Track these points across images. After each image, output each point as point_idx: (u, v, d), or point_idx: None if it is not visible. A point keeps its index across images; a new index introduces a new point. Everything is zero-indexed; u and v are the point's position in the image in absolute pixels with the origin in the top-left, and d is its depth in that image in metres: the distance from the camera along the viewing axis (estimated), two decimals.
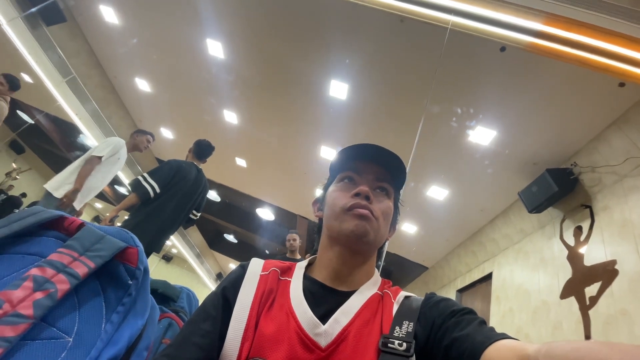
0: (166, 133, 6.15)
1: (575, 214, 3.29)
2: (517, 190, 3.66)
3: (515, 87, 2.99)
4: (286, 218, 7.51)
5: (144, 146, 3.14)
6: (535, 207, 3.55)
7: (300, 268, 0.63)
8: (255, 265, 0.62)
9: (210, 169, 6.69)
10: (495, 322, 3.99)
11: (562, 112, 3.00)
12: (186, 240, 11.20)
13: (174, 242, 11.27)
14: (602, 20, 1.67)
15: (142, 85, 5.27)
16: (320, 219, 0.70)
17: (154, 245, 2.53)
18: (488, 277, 4.54)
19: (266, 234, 9.06)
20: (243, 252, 11.16)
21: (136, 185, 2.45)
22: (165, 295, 0.87)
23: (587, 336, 2.60)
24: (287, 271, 0.62)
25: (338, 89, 3.72)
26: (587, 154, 3.12)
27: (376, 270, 0.64)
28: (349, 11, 3.05)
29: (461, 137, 3.67)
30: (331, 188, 0.66)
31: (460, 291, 5.38)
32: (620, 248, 2.60)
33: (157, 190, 2.46)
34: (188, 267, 14.27)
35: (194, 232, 11.07)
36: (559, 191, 3.23)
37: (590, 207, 3.09)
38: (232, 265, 13.88)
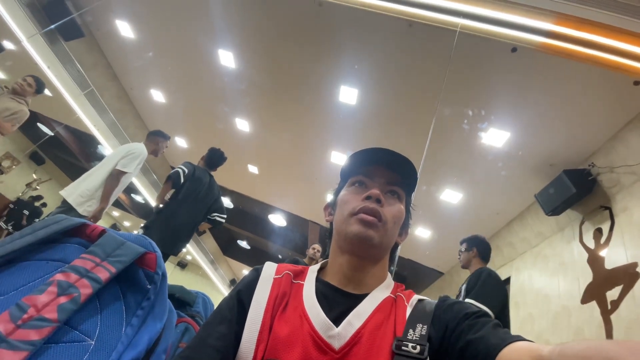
0: (180, 142, 6.29)
1: (594, 215, 3.19)
2: (534, 192, 3.58)
3: (527, 87, 2.94)
4: (298, 224, 7.54)
5: (162, 151, 3.18)
6: (553, 210, 3.45)
7: (312, 272, 0.64)
8: (269, 269, 0.63)
9: (222, 176, 6.79)
10: (515, 328, 3.87)
11: (577, 112, 2.94)
12: (200, 247, 11.34)
13: (189, 249, 11.43)
14: (613, 19, 1.63)
15: (157, 95, 5.42)
16: (331, 224, 0.71)
17: (170, 247, 2.58)
18: (506, 282, 4.42)
19: (278, 240, 9.11)
20: (256, 258, 11.23)
21: (168, 176, 2.61)
22: (182, 300, 0.89)
23: None
24: (300, 274, 0.63)
25: (348, 94, 3.75)
26: (604, 154, 3.03)
27: (389, 274, 0.64)
28: (357, 17, 3.08)
29: (474, 139, 3.63)
30: (342, 192, 0.67)
31: None
32: (639, 250, 2.50)
33: (186, 171, 2.56)
34: (202, 274, 14.42)
35: (208, 239, 11.22)
36: (577, 193, 3.14)
37: (609, 209, 2.99)
38: (245, 271, 13.97)
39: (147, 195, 7.43)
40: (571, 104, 2.92)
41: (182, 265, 15.70)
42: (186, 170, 2.64)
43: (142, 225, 2.71)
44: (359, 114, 3.88)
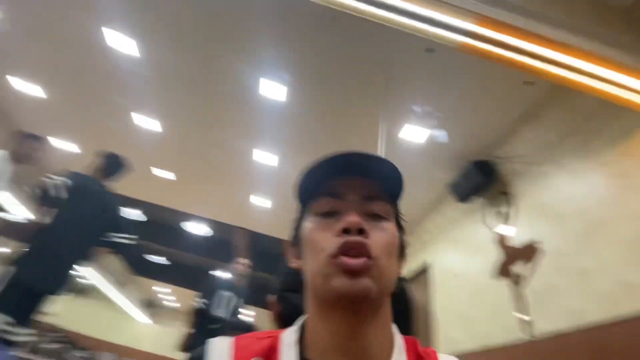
0: (65, 145, 5.14)
1: (497, 200, 3.63)
2: (447, 182, 3.94)
3: (443, 87, 3.16)
4: (224, 231, 6.98)
5: (35, 156, 2.47)
6: (463, 197, 3.84)
7: (289, 346, 0.42)
8: (220, 356, 0.40)
9: (126, 184, 5.81)
10: (440, 308, 4.22)
11: (482, 109, 3.29)
12: (99, 268, 9.68)
13: (83, 272, 9.67)
14: (530, 24, 1.80)
15: (23, 86, 4.29)
16: (301, 271, 0.50)
17: (50, 286, 1.99)
18: (427, 267, 4.79)
19: (201, 251, 8.30)
20: (177, 274, 10.09)
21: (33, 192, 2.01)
22: None
23: (521, 312, 2.85)
24: (271, 353, 0.41)
25: (270, 89, 3.49)
26: (504, 146, 3.47)
27: (394, 327, 0.47)
28: (276, 5, 2.87)
29: (395, 133, 3.77)
30: (307, 226, 0.46)
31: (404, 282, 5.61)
32: (539, 229, 2.92)
33: (65, 182, 1.98)
34: (105, 298, 12.40)
35: (110, 258, 9.63)
36: (484, 181, 3.53)
37: (509, 194, 3.42)
38: (164, 289, 12.49)
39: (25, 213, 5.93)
40: (476, 102, 3.24)
41: (81, 291, 13.25)
42: (65, 182, 2.03)
43: (11, 256, 2.03)
44: (286, 110, 3.67)
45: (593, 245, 2.41)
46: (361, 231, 0.41)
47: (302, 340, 0.44)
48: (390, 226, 0.45)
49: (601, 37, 2.03)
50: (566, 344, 2.41)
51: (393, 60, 3.06)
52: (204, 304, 3.05)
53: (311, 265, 0.43)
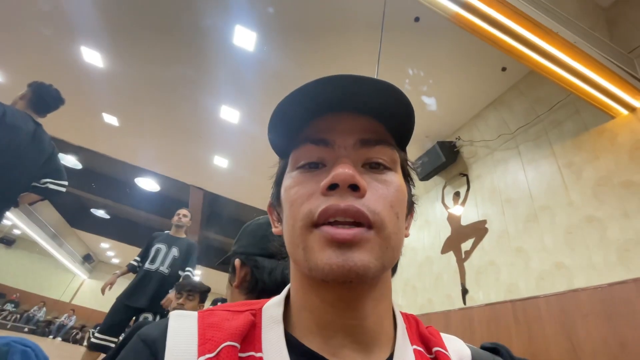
0: None
1: (454, 181, 3.78)
2: (411, 160, 3.99)
3: (422, 59, 3.07)
4: (175, 188, 6.58)
5: None
6: (425, 176, 3.95)
7: (274, 323, 0.33)
8: (182, 340, 0.30)
9: (64, 126, 5.16)
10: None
11: (452, 89, 3.29)
12: (34, 219, 8.83)
13: (15, 221, 8.75)
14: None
15: None
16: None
17: None
18: None
19: (148, 207, 7.82)
20: (118, 228, 9.49)
21: None
22: None
23: (462, 284, 3.09)
24: (251, 335, 0.32)
25: (245, 37, 3.15)
26: (468, 130, 3.56)
27: (393, 304, 0.39)
28: None
29: None
30: (286, 180, 0.36)
31: None
32: (489, 210, 3.10)
33: None
34: (40, 251, 11.45)
35: (46, 208, 8.78)
36: (445, 162, 3.64)
37: (467, 176, 3.58)
38: (105, 244, 11.78)
39: None
40: (447, 82, 3.23)
41: (8, 241, 12.10)
42: None
43: None
44: (258, 63, 3.37)
45: (534, 228, 2.62)
46: (354, 187, 0.31)
47: (286, 316, 0.35)
48: (395, 178, 0.35)
49: (580, 30, 2.07)
50: (495, 312, 2.67)
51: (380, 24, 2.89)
52: (137, 259, 2.96)
53: (288, 231, 0.33)
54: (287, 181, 0.35)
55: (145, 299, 2.66)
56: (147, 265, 2.82)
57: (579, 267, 2.20)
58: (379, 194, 0.32)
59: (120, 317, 2.63)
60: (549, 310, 2.25)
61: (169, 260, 2.88)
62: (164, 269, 2.82)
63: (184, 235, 3.11)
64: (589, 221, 2.25)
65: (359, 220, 0.30)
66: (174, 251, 2.92)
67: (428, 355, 0.35)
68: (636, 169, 2.09)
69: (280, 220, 0.39)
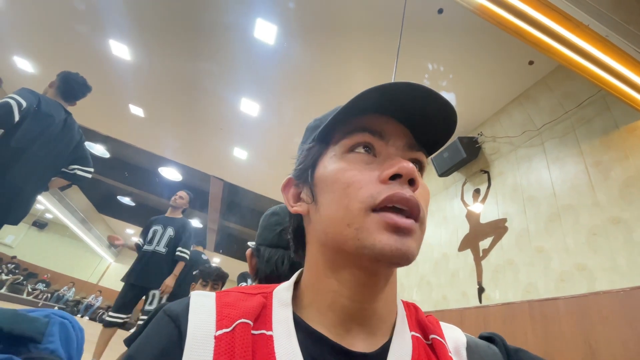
0: (21, 63, 4.58)
1: (475, 177, 3.71)
2: (431, 154, 3.93)
3: (445, 53, 3.01)
4: (197, 178, 6.78)
5: None
6: (444, 172, 3.89)
7: (283, 305, 0.37)
8: (202, 317, 0.33)
9: (94, 116, 5.40)
10: (403, 270, 4.44)
11: (475, 83, 3.20)
12: (65, 204, 9.32)
13: (47, 206, 9.27)
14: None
15: None
16: (301, 217, 0.43)
17: (3, 214, 1.84)
18: None
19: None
20: (143, 215, 9.88)
21: None
22: (18, 336, 0.50)
23: (479, 282, 3.05)
24: (263, 315, 0.35)
25: (265, 31, 3.18)
26: (491, 125, 3.47)
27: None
28: None
29: None
30: (333, 162, 0.38)
31: None
32: (510, 209, 3.03)
33: (23, 104, 1.78)
34: (70, 235, 12.11)
35: (76, 194, 9.25)
36: (466, 157, 3.56)
37: (488, 173, 3.50)
38: (130, 230, 12.31)
39: None
40: (470, 76, 3.15)
41: (40, 224, 12.86)
42: (23, 103, 1.80)
43: None
44: (279, 56, 3.40)
45: (557, 228, 2.54)
46: (412, 182, 0.34)
47: (295, 300, 0.39)
48: (424, 183, 0.39)
49: (612, 23, 1.97)
50: (510, 312, 2.63)
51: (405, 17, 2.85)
52: (140, 241, 3.14)
53: (337, 211, 0.35)
54: (336, 163, 0.37)
55: (148, 277, 2.86)
56: (146, 246, 3.01)
57: (602, 269, 2.13)
58: (420, 193, 0.36)
59: (128, 296, 2.85)
60: (567, 312, 2.20)
61: (165, 240, 3.04)
62: (161, 248, 3.00)
63: (180, 216, 3.26)
64: (614, 222, 2.17)
65: (414, 211, 0.33)
66: (170, 231, 3.08)
67: (425, 342, 0.37)
68: None
69: (300, 199, 0.41)
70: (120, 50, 3.89)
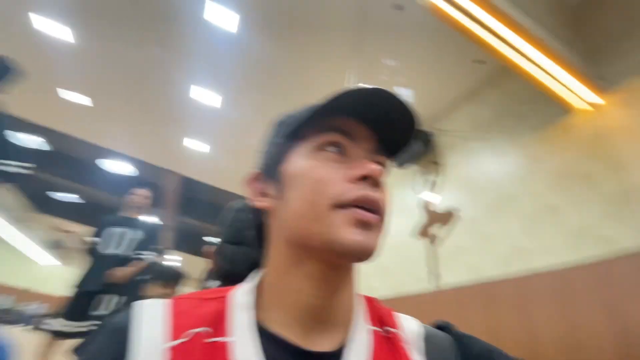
0: None
1: (428, 168, 3.92)
2: None
3: (401, 48, 3.11)
4: (150, 172, 6.39)
5: None
6: (402, 163, 4.06)
7: (244, 309, 0.36)
8: (149, 328, 0.32)
9: (25, 104, 4.83)
10: None
11: (429, 80, 3.37)
12: None
13: None
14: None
15: None
16: (264, 212, 0.42)
17: None
18: None
19: (119, 191, 7.54)
20: (89, 214, 9.12)
21: None
22: None
23: (434, 267, 3.26)
24: (219, 320, 0.34)
25: (220, 14, 3.03)
26: (444, 120, 3.68)
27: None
28: None
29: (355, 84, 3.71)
30: (302, 158, 0.38)
31: None
32: (461, 198, 3.26)
33: None
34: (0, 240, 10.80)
35: (9, 192, 8.23)
36: (421, 150, 3.75)
37: (440, 164, 3.72)
38: (75, 229, 11.28)
39: None
40: (424, 73, 3.31)
41: None
42: None
43: None
44: (235, 42, 3.26)
45: (499, 215, 2.79)
46: (376, 184, 0.36)
47: (256, 302, 0.37)
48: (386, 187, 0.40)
49: (550, 27, 2.17)
50: (463, 295, 2.86)
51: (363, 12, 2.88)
52: (94, 242, 2.83)
53: (304, 206, 0.35)
54: (305, 160, 0.37)
55: (102, 282, 2.61)
56: (99, 249, 2.72)
57: (538, 251, 2.39)
58: (384, 194, 0.38)
59: (79, 303, 2.58)
60: (511, 291, 2.44)
61: (127, 242, 2.79)
62: (122, 251, 2.75)
63: (141, 216, 3.02)
64: (550, 209, 2.43)
65: (379, 210, 0.35)
66: (135, 234, 2.83)
67: (384, 335, 0.38)
68: (594, 161, 2.26)
69: (266, 194, 0.41)
70: (65, 33, 3.49)
